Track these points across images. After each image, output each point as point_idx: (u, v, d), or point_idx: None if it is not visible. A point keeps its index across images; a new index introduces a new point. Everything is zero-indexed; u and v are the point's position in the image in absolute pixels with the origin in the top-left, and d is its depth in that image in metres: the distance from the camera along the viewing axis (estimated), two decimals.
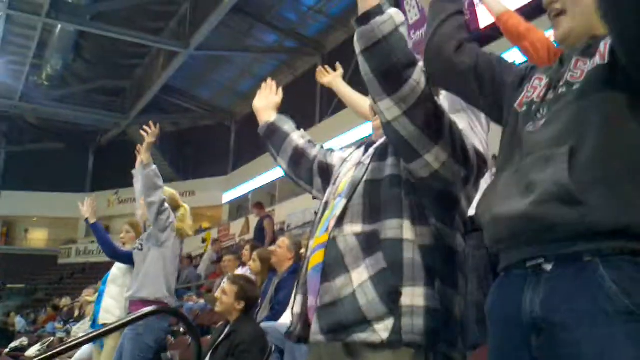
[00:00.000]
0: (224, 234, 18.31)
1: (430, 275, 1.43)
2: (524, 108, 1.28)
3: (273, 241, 7.92)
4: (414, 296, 1.40)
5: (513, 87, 1.35)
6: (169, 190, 4.07)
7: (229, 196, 22.56)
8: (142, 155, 3.77)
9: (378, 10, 1.43)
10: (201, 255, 17.24)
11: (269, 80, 2.14)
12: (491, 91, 1.38)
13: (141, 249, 3.90)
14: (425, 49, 1.45)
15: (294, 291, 1.71)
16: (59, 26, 17.74)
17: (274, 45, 19.01)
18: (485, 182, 1.64)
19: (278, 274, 4.58)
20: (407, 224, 1.46)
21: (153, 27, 18.30)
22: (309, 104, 17.93)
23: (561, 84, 1.23)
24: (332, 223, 1.53)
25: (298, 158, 1.90)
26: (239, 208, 22.46)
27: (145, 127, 3.80)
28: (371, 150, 1.65)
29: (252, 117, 2.11)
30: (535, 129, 1.22)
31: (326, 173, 1.86)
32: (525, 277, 1.16)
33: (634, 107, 1.11)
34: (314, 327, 1.45)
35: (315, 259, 1.57)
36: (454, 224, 1.53)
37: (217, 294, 3.85)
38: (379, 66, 1.42)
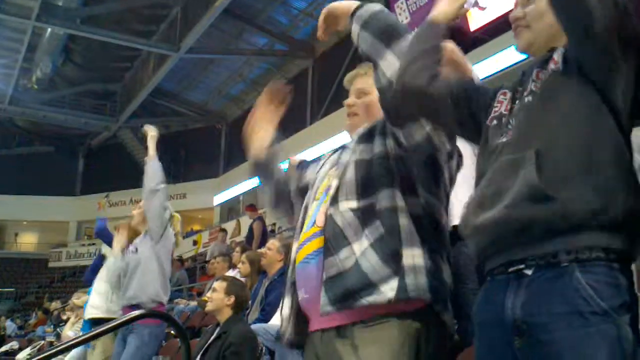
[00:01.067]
0: (215, 237, 18.29)
1: (422, 240, 1.51)
2: (495, 122, 1.35)
3: (262, 243, 7.93)
4: (413, 257, 1.48)
5: (486, 107, 1.41)
6: None
7: (220, 198, 22.55)
8: (150, 150, 3.91)
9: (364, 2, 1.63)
10: (193, 258, 17.21)
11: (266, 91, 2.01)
12: (468, 115, 1.42)
13: (136, 252, 3.86)
14: (397, 78, 1.47)
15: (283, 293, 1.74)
16: (49, 29, 17.71)
17: (264, 48, 19.04)
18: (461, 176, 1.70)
19: (268, 275, 4.61)
20: (398, 194, 1.53)
21: (143, 31, 18.30)
22: (300, 107, 17.97)
23: (526, 94, 1.31)
24: (323, 209, 1.58)
25: (279, 198, 1.94)
26: (230, 210, 22.45)
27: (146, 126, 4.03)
28: (354, 137, 1.71)
29: (243, 120, 2.08)
30: (506, 139, 1.29)
31: (304, 191, 1.86)
32: (508, 282, 1.22)
33: (590, 105, 1.20)
34: (323, 299, 1.48)
35: (303, 252, 1.61)
36: (440, 196, 1.60)
37: (208, 294, 3.88)
38: (377, 27, 1.58)
